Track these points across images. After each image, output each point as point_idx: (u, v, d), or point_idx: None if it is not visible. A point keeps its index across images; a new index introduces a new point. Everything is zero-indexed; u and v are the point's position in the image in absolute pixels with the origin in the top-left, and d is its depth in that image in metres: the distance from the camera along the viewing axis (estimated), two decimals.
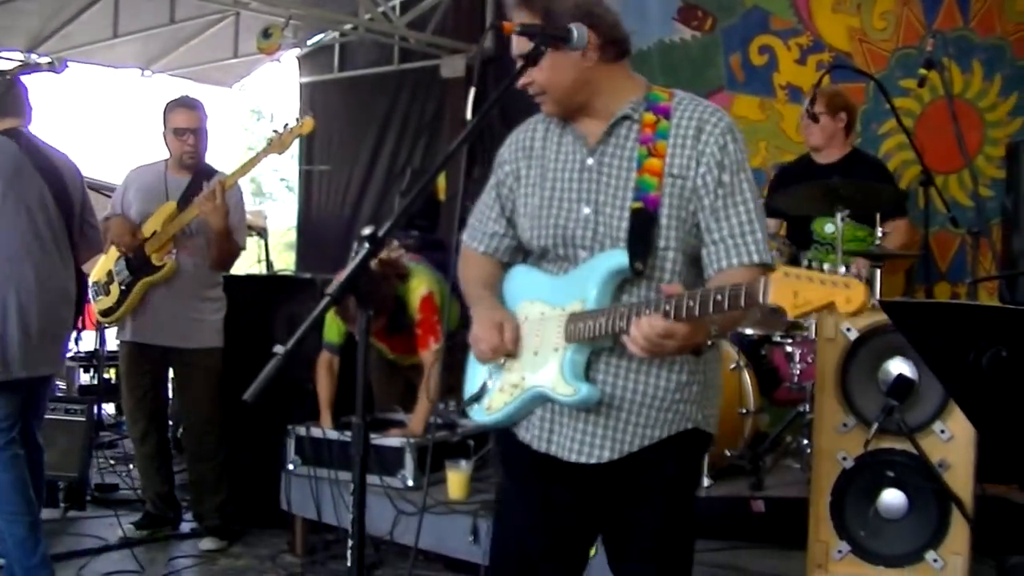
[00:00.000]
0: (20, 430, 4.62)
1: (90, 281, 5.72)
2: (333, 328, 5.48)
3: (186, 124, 5.70)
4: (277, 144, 5.53)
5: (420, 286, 5.31)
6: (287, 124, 5.52)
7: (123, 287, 5.71)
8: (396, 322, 5.34)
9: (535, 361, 2.74)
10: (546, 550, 2.86)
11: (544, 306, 2.75)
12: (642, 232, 2.62)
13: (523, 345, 2.78)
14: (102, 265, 5.77)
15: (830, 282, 2.22)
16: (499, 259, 2.95)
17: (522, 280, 2.87)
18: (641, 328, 2.41)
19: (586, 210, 2.70)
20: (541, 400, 2.74)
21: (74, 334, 6.88)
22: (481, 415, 2.89)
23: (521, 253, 2.94)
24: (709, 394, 2.82)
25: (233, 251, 5.78)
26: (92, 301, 5.80)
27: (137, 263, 5.65)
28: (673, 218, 2.63)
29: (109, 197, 6.18)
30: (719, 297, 2.33)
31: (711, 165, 2.64)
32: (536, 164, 2.82)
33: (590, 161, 2.73)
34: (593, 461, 2.70)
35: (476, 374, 2.93)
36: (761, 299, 2.27)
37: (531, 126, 2.91)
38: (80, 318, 5.48)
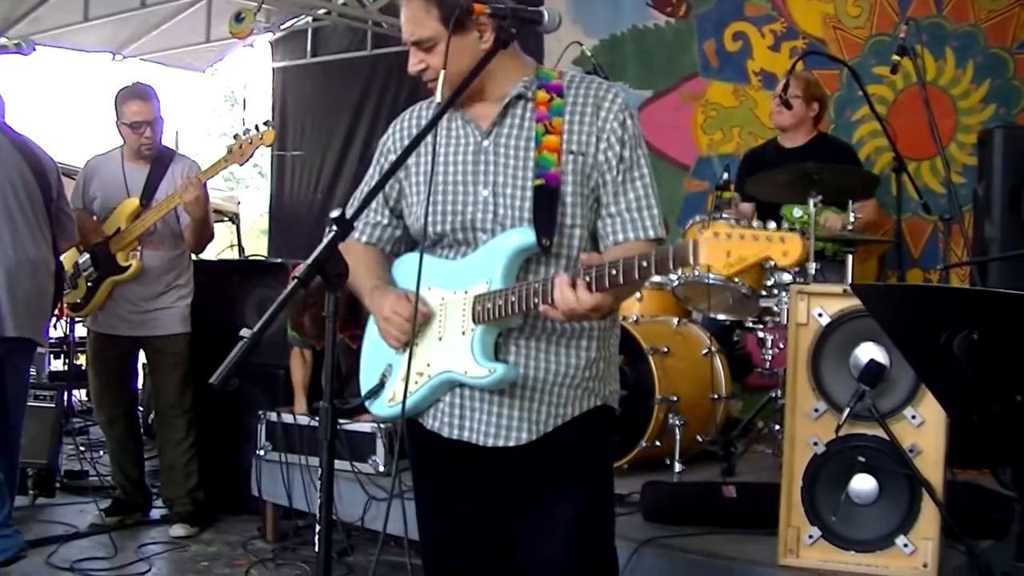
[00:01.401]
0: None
1: None
2: None
3: (141, 117, 5.64)
4: (237, 154, 5.50)
5: None
6: (248, 131, 5.49)
7: (89, 283, 5.70)
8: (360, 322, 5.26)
9: (440, 347, 2.69)
10: (471, 540, 2.84)
11: (443, 291, 2.71)
12: (546, 208, 2.61)
13: (425, 333, 2.72)
14: (67, 257, 5.73)
15: (764, 237, 2.22)
16: (382, 248, 2.92)
17: (414, 268, 2.76)
18: (566, 300, 2.39)
19: (484, 192, 2.67)
20: (451, 386, 2.70)
21: (53, 320, 6.88)
22: (383, 408, 2.81)
23: (403, 243, 2.92)
24: (611, 370, 2.82)
25: (210, 236, 5.84)
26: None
27: (103, 260, 5.65)
28: (577, 195, 2.64)
29: None
30: (644, 264, 2.33)
31: (612, 141, 2.66)
32: (425, 151, 2.77)
33: (485, 143, 2.70)
34: (512, 444, 2.66)
35: (372, 368, 2.87)
36: (691, 260, 2.27)
37: (415, 113, 2.89)
38: (58, 304, 5.46)
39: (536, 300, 2.48)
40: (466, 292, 2.65)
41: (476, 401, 2.69)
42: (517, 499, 2.75)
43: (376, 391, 2.83)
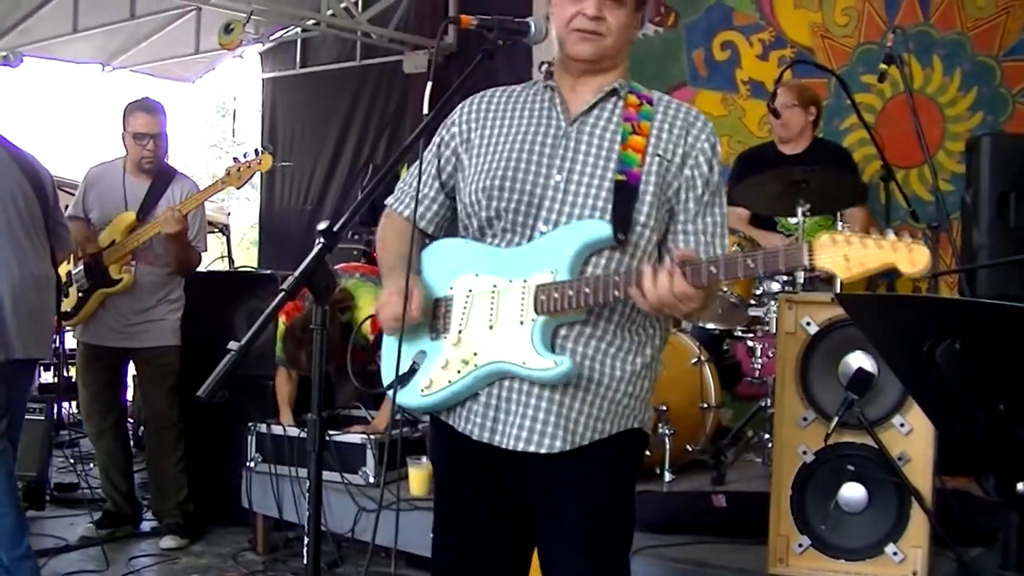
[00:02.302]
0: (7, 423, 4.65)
1: None
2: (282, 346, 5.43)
3: (145, 129, 5.67)
4: (235, 178, 5.54)
5: (367, 306, 5.10)
6: (246, 155, 5.53)
7: (80, 293, 5.70)
8: (352, 347, 5.21)
9: (491, 336, 2.59)
10: (487, 564, 2.78)
11: (496, 279, 2.62)
12: (624, 204, 2.56)
13: (468, 319, 2.64)
14: (61, 267, 5.73)
15: (888, 245, 2.17)
16: (423, 227, 2.83)
17: (459, 253, 2.72)
18: (660, 285, 2.34)
19: (557, 177, 2.61)
20: (498, 377, 2.59)
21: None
22: (414, 397, 2.69)
23: (443, 226, 2.85)
24: (649, 397, 2.76)
25: (193, 261, 5.84)
26: None
27: (96, 271, 5.65)
28: (657, 196, 2.59)
29: (70, 194, 6.14)
30: (751, 263, 2.29)
31: (701, 161, 2.64)
32: (493, 126, 2.74)
33: (570, 129, 2.66)
34: (543, 451, 2.56)
35: (398, 354, 2.67)
36: (806, 262, 2.22)
37: (489, 94, 2.83)
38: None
39: (616, 293, 2.43)
40: (525, 281, 2.57)
41: (513, 403, 2.59)
42: (542, 509, 2.68)
43: (404, 378, 2.69)
